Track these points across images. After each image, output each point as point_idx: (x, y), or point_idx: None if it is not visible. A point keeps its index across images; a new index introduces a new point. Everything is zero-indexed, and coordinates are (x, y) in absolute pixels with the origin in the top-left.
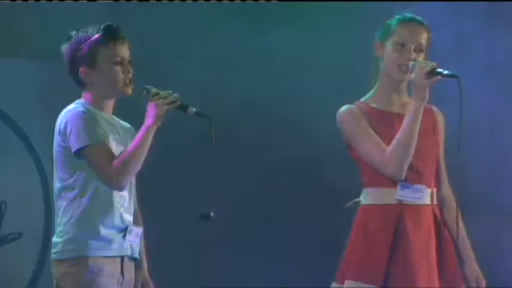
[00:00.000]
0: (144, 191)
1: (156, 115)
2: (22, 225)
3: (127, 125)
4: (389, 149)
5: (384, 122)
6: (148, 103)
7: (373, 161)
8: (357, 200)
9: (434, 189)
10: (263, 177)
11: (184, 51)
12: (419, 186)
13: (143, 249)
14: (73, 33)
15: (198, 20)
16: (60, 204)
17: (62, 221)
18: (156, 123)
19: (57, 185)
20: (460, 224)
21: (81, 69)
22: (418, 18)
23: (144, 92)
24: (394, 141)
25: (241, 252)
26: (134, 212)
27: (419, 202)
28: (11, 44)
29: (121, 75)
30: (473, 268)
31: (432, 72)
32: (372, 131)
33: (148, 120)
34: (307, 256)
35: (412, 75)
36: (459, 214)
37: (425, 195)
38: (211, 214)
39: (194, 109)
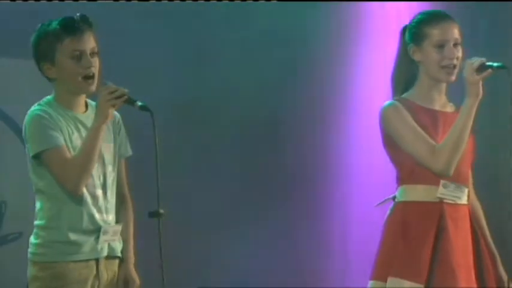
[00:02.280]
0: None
1: (102, 113)
2: (22, 225)
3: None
4: (439, 145)
5: (429, 119)
6: (98, 99)
7: (420, 157)
8: (389, 197)
9: (468, 189)
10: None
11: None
12: (460, 186)
13: (130, 246)
14: (37, 27)
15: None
16: (36, 206)
17: (36, 224)
18: (103, 121)
19: (33, 187)
20: (486, 227)
21: (42, 64)
22: (444, 12)
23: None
24: (445, 139)
25: (243, 252)
26: (120, 207)
27: (459, 201)
28: (11, 43)
29: (79, 70)
30: (502, 271)
31: (482, 67)
32: (418, 127)
33: (97, 118)
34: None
35: (464, 74)
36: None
37: (464, 195)
38: (161, 211)
39: (139, 103)
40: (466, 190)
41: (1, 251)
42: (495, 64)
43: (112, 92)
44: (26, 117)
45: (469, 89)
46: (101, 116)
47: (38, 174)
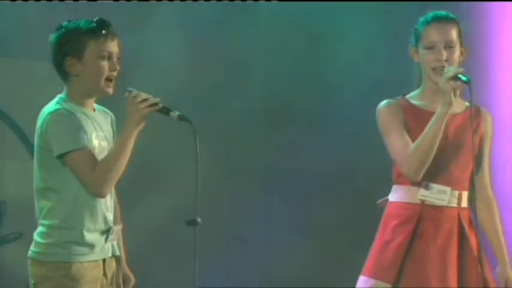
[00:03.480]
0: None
1: (137, 119)
2: (22, 225)
3: (107, 111)
4: (409, 149)
5: (420, 120)
6: (128, 106)
7: (395, 158)
8: (387, 197)
9: (465, 192)
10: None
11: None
12: (444, 188)
13: (121, 244)
14: (64, 23)
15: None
16: (43, 205)
17: (45, 223)
18: (137, 128)
19: (38, 184)
20: (500, 228)
21: (67, 59)
22: (442, 14)
23: (126, 94)
24: (414, 144)
25: (244, 252)
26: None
27: (442, 203)
28: (10, 43)
29: (105, 71)
30: (503, 272)
31: (455, 78)
32: (402, 129)
33: (130, 124)
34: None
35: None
36: (499, 218)
37: (449, 197)
38: (198, 220)
39: (177, 113)
40: (456, 193)
41: (1, 251)
42: (463, 77)
43: (144, 100)
44: (46, 116)
45: (442, 97)
46: (135, 124)
47: (50, 172)
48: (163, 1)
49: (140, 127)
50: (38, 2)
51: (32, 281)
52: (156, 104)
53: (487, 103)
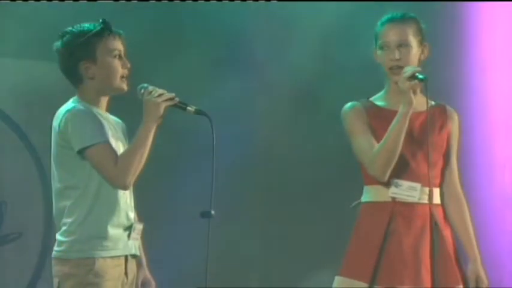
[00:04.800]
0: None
1: (155, 113)
2: (22, 225)
3: (118, 119)
4: (374, 151)
5: (385, 120)
6: (146, 101)
7: (362, 160)
8: (360, 200)
9: (435, 189)
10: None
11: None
12: (413, 185)
13: (141, 246)
14: (67, 29)
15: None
16: (64, 204)
17: (67, 221)
18: (156, 121)
19: (57, 184)
20: (469, 224)
21: (81, 64)
22: (396, 15)
23: (142, 90)
24: (379, 144)
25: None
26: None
27: (413, 200)
28: (10, 43)
29: (120, 69)
30: (474, 269)
31: (413, 77)
32: (367, 131)
33: (149, 118)
34: (310, 256)
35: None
36: (469, 214)
37: (420, 194)
38: (212, 212)
39: (194, 107)
40: (426, 189)
41: (1, 251)
42: (420, 76)
43: (161, 95)
44: (65, 113)
45: (402, 97)
46: (154, 118)
47: (70, 170)
48: (163, 1)
49: (159, 121)
50: (37, 2)
51: (56, 280)
52: (172, 98)
53: (485, 103)
